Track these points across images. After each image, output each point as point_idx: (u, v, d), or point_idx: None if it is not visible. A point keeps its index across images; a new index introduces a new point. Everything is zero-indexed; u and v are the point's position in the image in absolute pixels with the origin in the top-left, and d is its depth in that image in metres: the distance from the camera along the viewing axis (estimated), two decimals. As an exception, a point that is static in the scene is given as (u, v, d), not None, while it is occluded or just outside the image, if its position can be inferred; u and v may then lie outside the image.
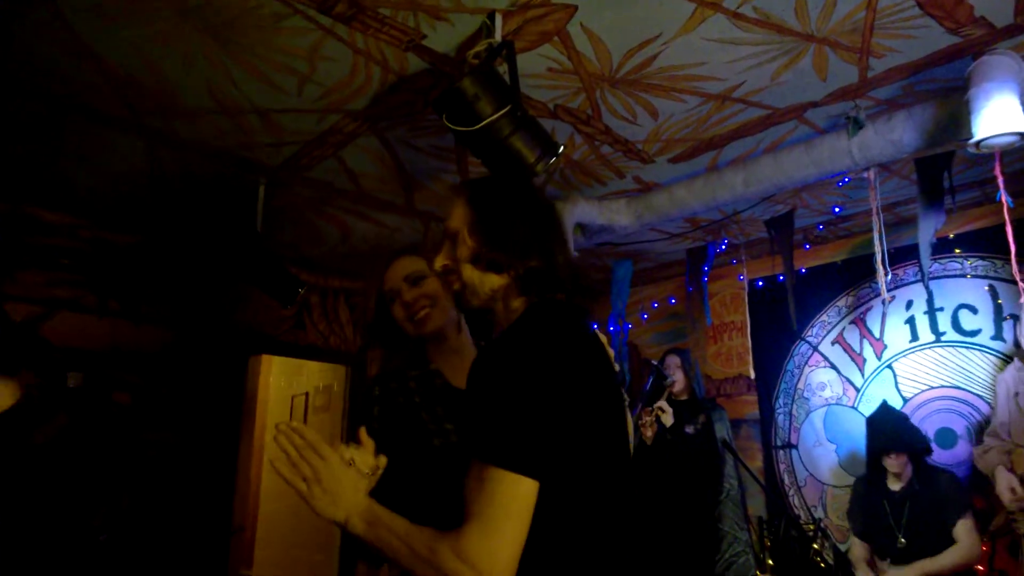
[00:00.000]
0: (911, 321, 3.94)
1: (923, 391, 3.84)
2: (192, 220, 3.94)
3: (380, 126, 2.94)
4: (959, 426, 3.66)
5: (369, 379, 4.83)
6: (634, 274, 4.50)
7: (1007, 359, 3.46)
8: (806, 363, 4.34)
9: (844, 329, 4.21)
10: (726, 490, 3.56)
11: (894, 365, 3.98)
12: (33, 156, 3.20)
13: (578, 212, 3.51)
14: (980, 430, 3.49)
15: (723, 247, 4.45)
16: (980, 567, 3.03)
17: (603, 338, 1.41)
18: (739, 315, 4.56)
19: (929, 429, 3.70)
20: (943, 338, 3.82)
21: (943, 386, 3.77)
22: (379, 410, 1.70)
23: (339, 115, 2.85)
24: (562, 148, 2.43)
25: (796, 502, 4.22)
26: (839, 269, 4.25)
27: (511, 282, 1.29)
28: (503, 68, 2.26)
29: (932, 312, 3.87)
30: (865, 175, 3.18)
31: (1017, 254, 2.78)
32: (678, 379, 3.74)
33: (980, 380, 3.64)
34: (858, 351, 4.14)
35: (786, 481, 4.28)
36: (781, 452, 4.33)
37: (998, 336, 3.61)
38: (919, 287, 3.79)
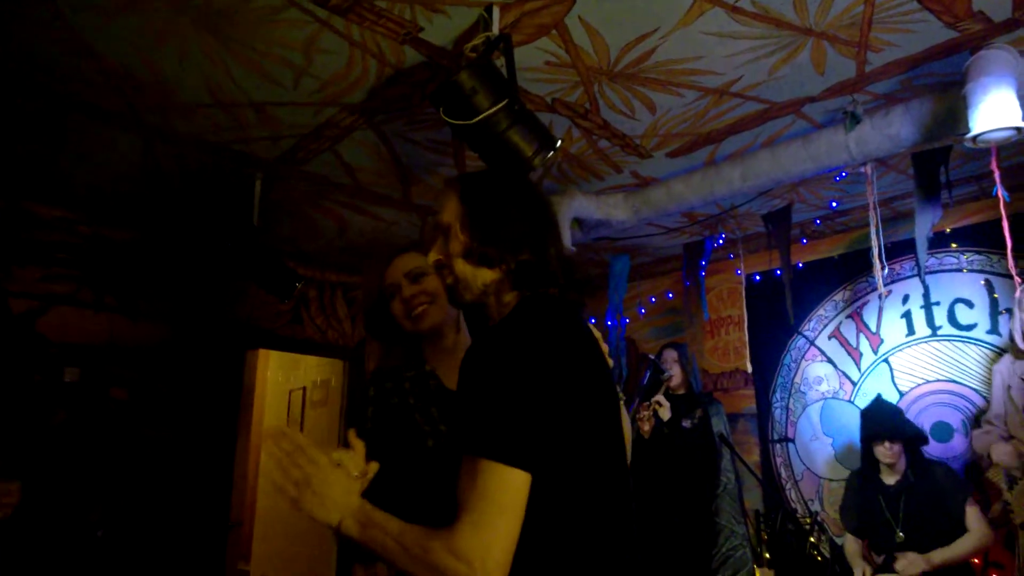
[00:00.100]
0: (907, 315, 3.96)
1: (919, 385, 3.85)
2: (189, 215, 3.93)
3: (377, 119, 2.93)
4: (955, 420, 3.68)
5: (367, 373, 4.84)
6: (631, 269, 4.51)
7: (1003, 353, 3.47)
8: (803, 357, 4.35)
9: (841, 323, 4.22)
10: (723, 484, 3.57)
11: (890, 359, 3.99)
12: (31, 152, 3.19)
13: (575, 206, 3.51)
14: (976, 424, 3.50)
15: (720, 242, 4.45)
16: (976, 559, 3.04)
17: (597, 333, 1.40)
18: (736, 309, 4.57)
19: (925, 423, 3.71)
20: (939, 332, 3.83)
21: (939, 380, 3.78)
22: (373, 411, 1.70)
23: (336, 108, 2.85)
24: (559, 142, 2.42)
25: (793, 496, 4.23)
26: (836, 264, 4.26)
27: (503, 276, 1.28)
28: (500, 61, 2.25)
29: (928, 306, 3.88)
30: (862, 170, 3.18)
31: (1013, 248, 2.79)
32: (675, 373, 3.75)
33: (976, 374, 3.65)
34: (854, 345, 4.15)
35: (783, 475, 4.30)
36: (778, 446, 4.35)
37: (994, 330, 3.62)
38: (916, 281, 3.80)
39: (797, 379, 4.35)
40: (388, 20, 2.27)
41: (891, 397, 3.85)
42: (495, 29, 2.22)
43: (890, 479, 3.21)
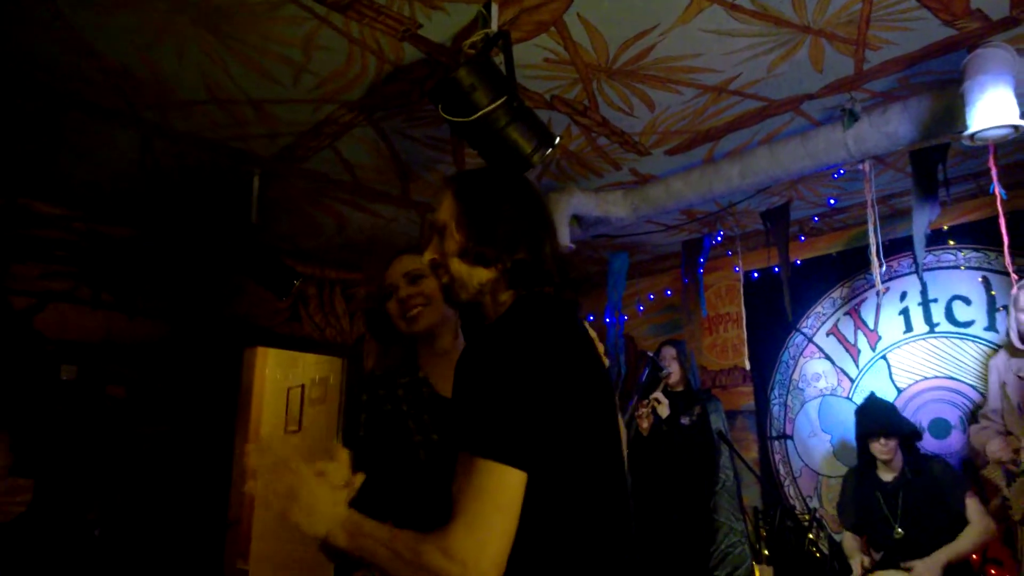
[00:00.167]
0: (905, 312, 3.96)
1: (917, 382, 3.86)
2: (187, 212, 3.93)
3: (376, 116, 2.93)
4: (952, 416, 3.69)
5: (365, 372, 4.83)
6: (630, 266, 4.51)
7: (999, 349, 3.48)
8: (801, 354, 4.36)
9: (839, 320, 4.22)
10: (722, 481, 3.58)
11: (888, 356, 4.00)
12: (30, 150, 3.19)
13: (574, 204, 3.51)
14: (973, 420, 3.51)
15: (719, 239, 4.46)
16: (975, 555, 3.05)
17: (592, 332, 1.40)
18: (735, 307, 4.57)
19: (923, 419, 3.73)
20: (937, 329, 3.84)
21: (937, 376, 3.79)
22: (366, 417, 1.71)
23: (334, 105, 2.84)
24: (558, 139, 2.42)
25: (791, 492, 4.24)
26: (834, 261, 4.27)
27: (499, 276, 1.28)
28: (499, 58, 2.25)
29: (926, 303, 3.88)
30: (860, 167, 3.18)
31: (1010, 246, 2.80)
32: (674, 370, 3.75)
33: (974, 371, 3.66)
34: (853, 342, 4.16)
35: (781, 472, 4.31)
36: (776, 443, 4.36)
37: (991, 327, 3.63)
38: (913, 278, 3.81)
39: (795, 376, 4.36)
40: (387, 17, 2.27)
41: (889, 394, 3.86)
42: (494, 26, 2.22)
43: (887, 475, 3.22)
